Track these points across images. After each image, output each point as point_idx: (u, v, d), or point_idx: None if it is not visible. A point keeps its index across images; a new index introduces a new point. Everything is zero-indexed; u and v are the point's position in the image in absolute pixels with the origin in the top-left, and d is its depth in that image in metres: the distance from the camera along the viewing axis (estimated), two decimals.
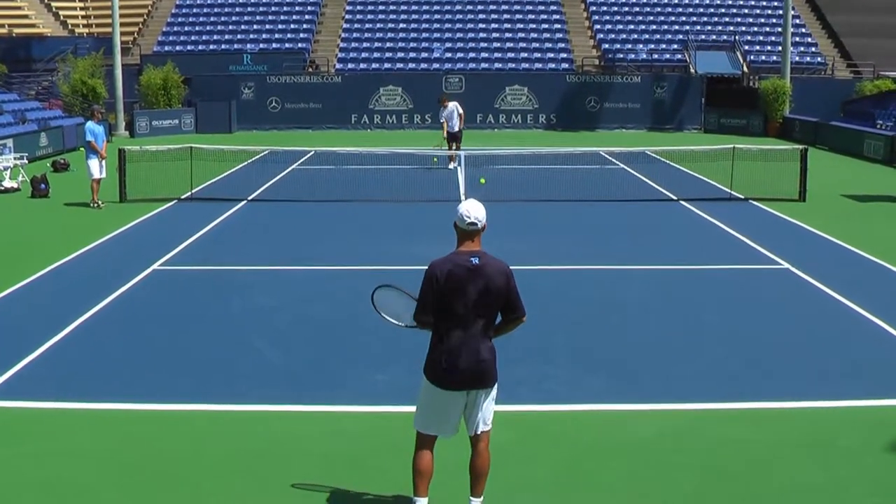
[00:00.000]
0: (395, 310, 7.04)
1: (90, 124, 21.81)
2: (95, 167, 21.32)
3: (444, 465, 7.51)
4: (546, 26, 50.09)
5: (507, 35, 49.45)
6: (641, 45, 48.67)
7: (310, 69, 46.75)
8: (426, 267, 6.70)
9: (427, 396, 6.78)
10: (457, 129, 29.11)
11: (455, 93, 43.61)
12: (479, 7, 51.53)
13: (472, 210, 6.66)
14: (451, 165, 27.57)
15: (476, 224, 6.64)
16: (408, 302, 6.93)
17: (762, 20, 50.90)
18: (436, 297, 6.57)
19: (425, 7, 51.55)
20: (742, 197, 22.59)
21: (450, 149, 28.73)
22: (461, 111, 29.49)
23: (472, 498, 6.90)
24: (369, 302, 7.09)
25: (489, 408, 6.82)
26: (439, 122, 29.82)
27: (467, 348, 6.60)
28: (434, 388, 6.69)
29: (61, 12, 51.36)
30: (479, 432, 6.81)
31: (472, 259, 6.61)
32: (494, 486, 7.54)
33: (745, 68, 46.81)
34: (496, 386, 6.84)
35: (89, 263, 15.79)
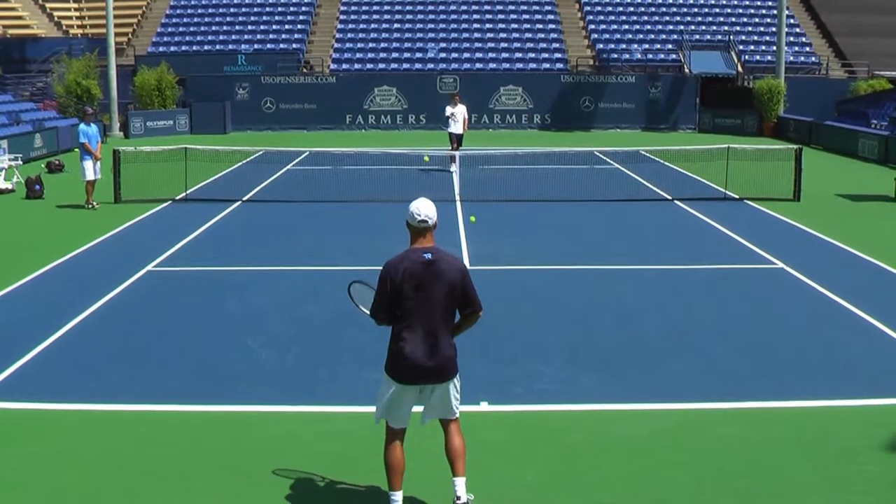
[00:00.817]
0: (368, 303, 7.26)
1: (82, 126, 21.79)
2: (89, 169, 21.29)
3: (434, 452, 7.53)
4: (540, 26, 50.11)
5: (502, 35, 49.47)
6: (636, 45, 48.71)
7: (304, 70, 46.74)
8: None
9: (385, 389, 7.01)
10: (460, 130, 28.46)
11: (450, 93, 43.64)
12: (474, 7, 51.53)
13: (423, 208, 6.87)
14: (452, 168, 27.37)
15: (427, 221, 6.86)
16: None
17: (756, 20, 50.96)
18: (392, 294, 6.79)
19: (419, 7, 51.54)
20: (737, 197, 22.60)
21: (453, 149, 28.21)
22: (466, 115, 28.78)
23: (455, 479, 7.01)
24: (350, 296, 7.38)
25: (452, 400, 7.01)
26: (445, 118, 28.85)
27: (426, 344, 6.80)
28: (392, 382, 6.93)
29: (55, 13, 51.30)
30: (447, 418, 7.05)
31: (426, 255, 6.81)
32: (487, 484, 7.56)
33: (740, 68, 46.87)
34: (458, 379, 7.03)
35: (84, 264, 15.78)
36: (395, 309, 6.83)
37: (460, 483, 7.01)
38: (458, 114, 28.27)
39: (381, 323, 6.92)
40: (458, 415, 7.09)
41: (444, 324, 6.86)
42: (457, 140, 28.36)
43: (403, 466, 7.00)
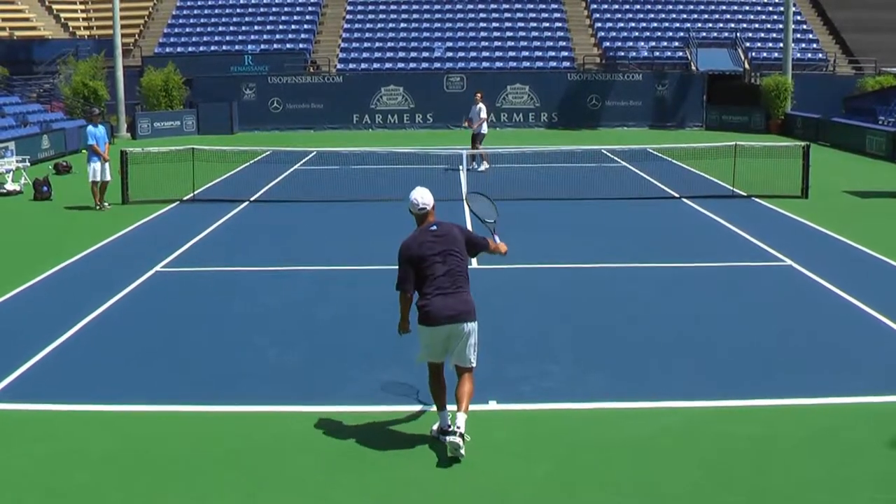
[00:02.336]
0: (483, 210, 9.24)
1: (90, 128, 21.84)
2: (96, 171, 21.33)
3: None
4: (547, 24, 50.11)
5: (508, 34, 49.47)
6: (642, 43, 48.68)
7: (311, 69, 46.78)
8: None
9: (424, 338, 8.22)
10: (482, 130, 28.51)
11: (457, 92, 43.73)
12: (480, 6, 51.55)
13: (420, 198, 8.37)
14: (483, 167, 27.47)
15: (426, 208, 8.37)
16: (491, 208, 9.21)
17: (763, 17, 50.89)
18: (413, 267, 8.14)
19: (426, 6, 51.56)
20: (744, 194, 22.57)
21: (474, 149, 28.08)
22: (484, 115, 28.54)
23: (458, 413, 8.05)
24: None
25: (470, 348, 8.22)
26: (468, 118, 28.96)
27: (448, 293, 8.11)
28: (426, 329, 8.13)
29: (62, 14, 51.43)
30: (461, 366, 8.23)
31: (432, 227, 8.32)
32: (495, 481, 7.57)
33: (747, 65, 46.80)
34: (475, 331, 8.25)
35: (92, 265, 15.81)
36: (417, 279, 8.14)
37: (461, 417, 8.01)
38: (478, 112, 28.18)
39: (407, 293, 8.21)
40: (473, 364, 8.27)
41: (460, 278, 8.21)
42: (476, 139, 28.36)
43: (446, 389, 8.31)
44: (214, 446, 8.43)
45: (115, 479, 7.77)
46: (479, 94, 29.12)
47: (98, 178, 21.35)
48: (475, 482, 7.65)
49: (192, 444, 8.47)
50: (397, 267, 8.25)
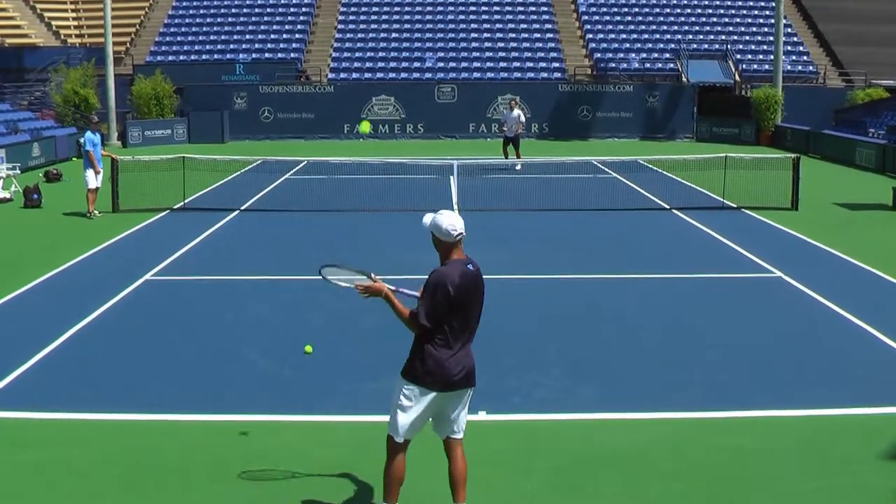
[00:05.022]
0: (343, 276, 7.42)
1: (89, 134, 21.77)
2: (92, 177, 21.29)
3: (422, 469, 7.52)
4: (538, 35, 50.16)
5: (499, 44, 49.51)
6: (633, 54, 48.76)
7: (302, 79, 46.75)
8: (428, 274, 6.72)
9: (416, 405, 6.72)
10: (513, 133, 30.46)
11: (448, 102, 43.79)
12: (472, 16, 51.58)
13: (457, 223, 6.80)
14: (518, 167, 29.21)
15: (463, 234, 6.82)
16: (351, 274, 7.27)
17: (754, 29, 51.03)
18: (446, 303, 6.57)
19: (417, 17, 51.59)
20: (734, 206, 22.61)
21: (505, 150, 30.69)
22: (522, 119, 31.22)
23: None
24: (340, 290, 7.54)
25: (465, 413, 6.93)
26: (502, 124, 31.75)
27: (464, 351, 6.72)
28: (430, 394, 6.67)
29: (53, 22, 51.31)
30: (453, 437, 6.90)
31: (469, 266, 6.75)
32: (486, 493, 7.54)
33: (737, 77, 46.91)
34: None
35: (82, 274, 15.76)
36: (444, 318, 6.61)
37: None
38: (515, 119, 30.47)
39: (425, 329, 6.62)
40: (463, 435, 6.98)
41: (474, 332, 6.85)
42: (512, 142, 30.58)
43: (404, 478, 6.92)
44: (204, 456, 8.39)
45: (101, 489, 7.73)
46: (513, 102, 32.58)
47: (93, 186, 21.28)
48: (467, 493, 7.62)
49: (181, 454, 8.43)
50: (425, 295, 6.65)
